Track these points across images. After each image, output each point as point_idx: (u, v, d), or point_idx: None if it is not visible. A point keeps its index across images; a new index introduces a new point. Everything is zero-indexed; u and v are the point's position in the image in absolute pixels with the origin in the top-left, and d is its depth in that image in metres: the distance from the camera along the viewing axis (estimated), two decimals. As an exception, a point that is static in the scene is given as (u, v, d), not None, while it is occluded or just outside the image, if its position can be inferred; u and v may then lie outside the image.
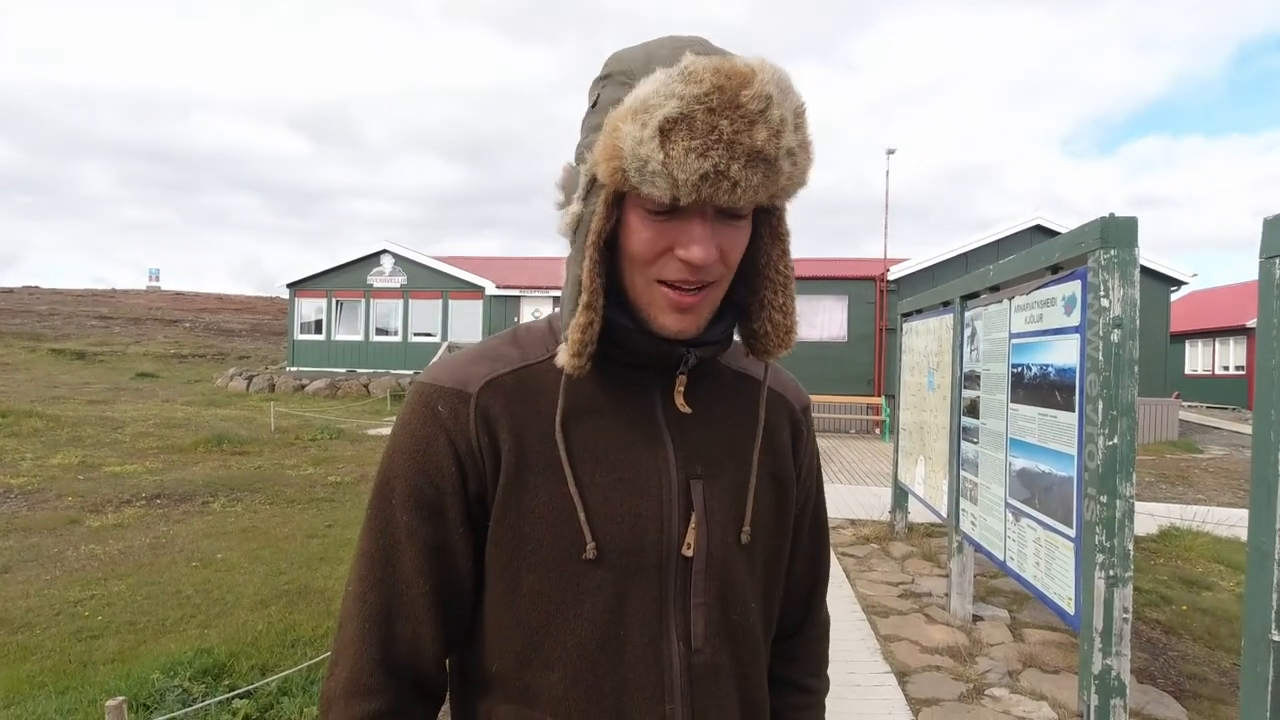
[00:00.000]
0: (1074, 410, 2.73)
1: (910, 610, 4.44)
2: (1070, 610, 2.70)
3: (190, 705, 2.91)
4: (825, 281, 15.75)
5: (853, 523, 6.81)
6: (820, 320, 15.90)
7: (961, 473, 4.26)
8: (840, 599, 4.63)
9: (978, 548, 3.96)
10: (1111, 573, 2.42)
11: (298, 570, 5.01)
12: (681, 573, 0.74)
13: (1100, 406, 2.48)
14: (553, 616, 0.72)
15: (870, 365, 15.96)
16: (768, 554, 0.82)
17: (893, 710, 3.17)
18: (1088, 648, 2.46)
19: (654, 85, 0.61)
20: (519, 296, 19.44)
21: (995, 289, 3.87)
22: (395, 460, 0.74)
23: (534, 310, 19.22)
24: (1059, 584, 2.83)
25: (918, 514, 6.23)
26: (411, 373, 19.11)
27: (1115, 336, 2.46)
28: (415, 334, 20.27)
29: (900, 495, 6.31)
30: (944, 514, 4.66)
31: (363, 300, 20.54)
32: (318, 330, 20.86)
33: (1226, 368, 23.48)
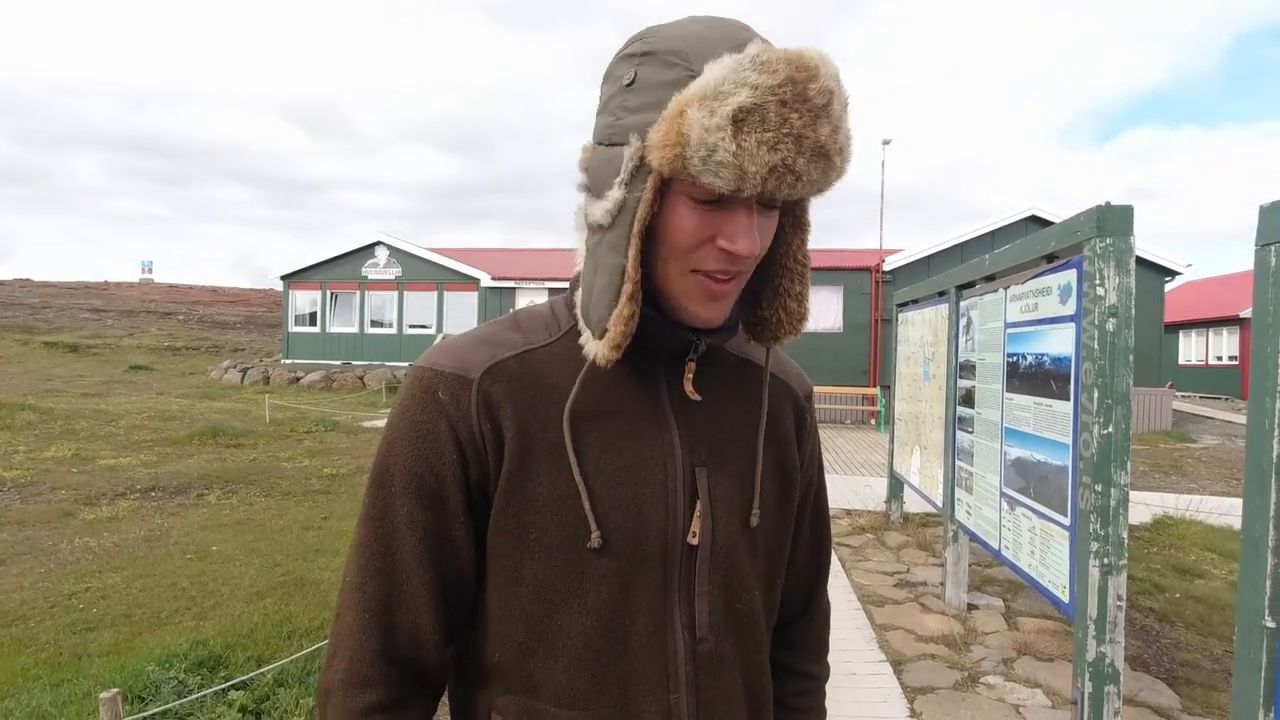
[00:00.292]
0: (1069, 399, 2.73)
1: (906, 599, 4.46)
2: (1065, 598, 2.72)
3: (186, 697, 2.90)
4: (821, 272, 15.73)
5: (848, 513, 6.83)
6: (816, 311, 15.85)
7: (957, 462, 4.27)
8: (836, 588, 4.64)
9: (973, 537, 3.98)
10: (1106, 561, 2.43)
11: (293, 562, 5.00)
12: (686, 561, 0.73)
13: (1095, 395, 2.48)
14: (557, 606, 0.71)
15: (866, 356, 15.98)
16: (771, 542, 0.81)
17: (888, 699, 3.19)
18: (1082, 635, 2.47)
19: (724, 71, 0.59)
20: (514, 288, 19.38)
21: (991, 279, 3.87)
22: (394, 447, 0.72)
23: (530, 302, 19.15)
24: (1053, 572, 2.84)
25: (913, 504, 6.25)
26: (407, 365, 19.07)
27: (1110, 325, 2.46)
28: (410, 326, 20.21)
29: (896, 485, 6.32)
30: (939, 504, 4.68)
31: (357, 292, 20.46)
32: (312, 322, 20.78)
33: (1220, 358, 23.59)
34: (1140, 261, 13.58)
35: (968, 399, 4.08)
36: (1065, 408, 2.77)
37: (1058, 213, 14.64)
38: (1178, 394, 19.46)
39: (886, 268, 15.73)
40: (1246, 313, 19.70)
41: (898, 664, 3.53)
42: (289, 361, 20.54)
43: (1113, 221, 2.47)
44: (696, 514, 0.74)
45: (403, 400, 0.73)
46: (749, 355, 0.84)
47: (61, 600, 4.24)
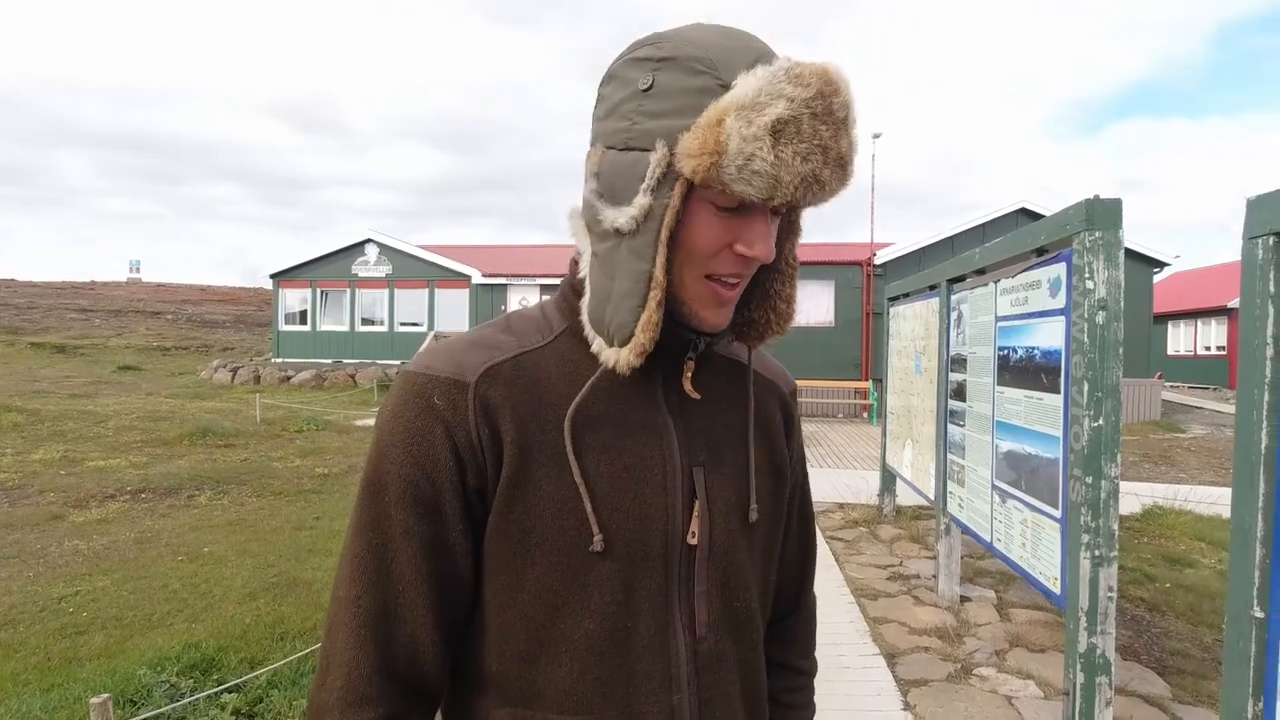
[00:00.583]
0: (1059, 392, 2.75)
1: (899, 592, 4.48)
2: (1056, 590, 2.73)
3: (178, 700, 2.89)
4: (812, 267, 15.76)
5: (841, 506, 6.85)
6: (807, 305, 15.92)
7: (948, 455, 4.28)
8: (829, 582, 4.66)
9: (965, 530, 3.99)
10: (1097, 553, 2.44)
11: (286, 563, 4.98)
12: (685, 561, 0.73)
13: (1085, 388, 2.49)
14: (559, 610, 0.70)
15: (857, 350, 16.02)
16: (765, 540, 0.82)
17: (882, 691, 3.20)
18: (1073, 627, 2.48)
19: (759, 83, 0.60)
20: (505, 285, 19.33)
21: (981, 272, 3.88)
22: (387, 455, 0.70)
23: (521, 299, 19.13)
24: (1045, 564, 2.85)
25: (906, 497, 6.28)
26: (399, 363, 19.01)
27: (1100, 318, 2.47)
28: (401, 324, 20.14)
29: (888, 479, 6.35)
30: (931, 497, 4.70)
31: (348, 290, 20.36)
32: (303, 321, 20.67)
33: (1208, 348, 23.78)
34: (1128, 253, 13.65)
35: (959, 392, 4.09)
36: (1056, 400, 2.78)
37: (1048, 206, 14.71)
38: (1166, 384, 19.61)
39: (878, 262, 15.76)
40: (1234, 303, 19.87)
41: (891, 657, 3.55)
42: (279, 360, 20.43)
43: (1101, 215, 2.48)
44: (695, 513, 0.74)
45: (395, 406, 0.71)
46: (734, 355, 0.85)
47: (51, 604, 4.20)
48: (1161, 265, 15.14)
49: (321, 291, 20.50)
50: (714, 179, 0.62)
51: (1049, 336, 2.86)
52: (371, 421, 12.39)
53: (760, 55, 0.64)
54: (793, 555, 0.93)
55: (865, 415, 15.21)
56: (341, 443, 10.31)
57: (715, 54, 0.65)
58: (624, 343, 0.68)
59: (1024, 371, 3.12)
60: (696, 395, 0.77)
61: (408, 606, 0.69)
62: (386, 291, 20.23)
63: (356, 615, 0.69)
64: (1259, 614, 1.51)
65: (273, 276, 20.81)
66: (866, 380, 15.54)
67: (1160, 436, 12.50)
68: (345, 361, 19.83)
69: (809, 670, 0.97)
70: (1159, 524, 6.10)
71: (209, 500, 6.83)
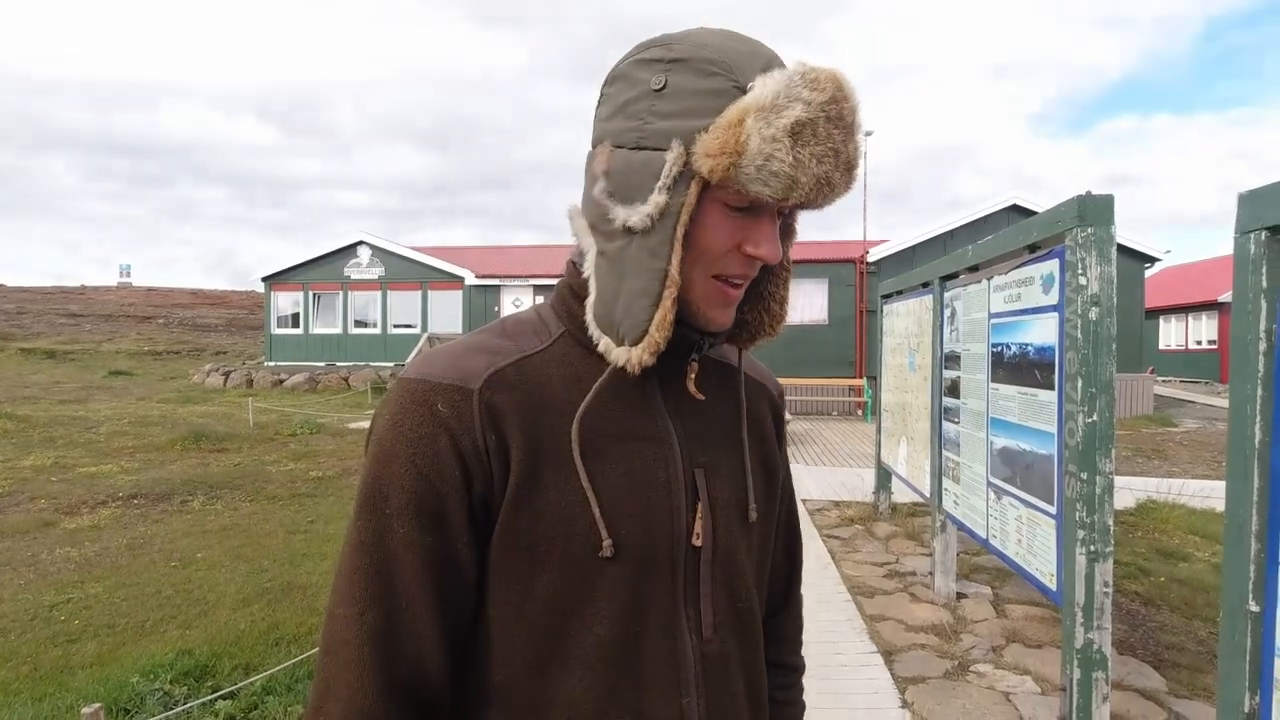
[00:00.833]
0: (1053, 388, 2.75)
1: (895, 590, 4.48)
2: (1052, 586, 2.73)
3: (172, 708, 2.86)
4: (806, 265, 15.78)
5: (837, 504, 6.86)
6: (801, 303, 15.94)
7: (943, 452, 4.29)
8: (826, 580, 4.66)
9: (960, 526, 4.00)
10: (1092, 548, 2.45)
11: (280, 567, 4.95)
12: (690, 563, 0.73)
13: (1079, 384, 2.49)
14: (569, 617, 0.69)
15: (851, 347, 16.05)
16: (761, 539, 0.83)
17: (879, 689, 3.20)
18: (1070, 622, 2.49)
19: (778, 85, 0.62)
20: (499, 286, 19.29)
21: (974, 269, 3.89)
22: (388, 466, 0.68)
23: (515, 299, 19.10)
24: (1041, 560, 2.85)
25: (901, 494, 6.29)
26: (392, 364, 18.95)
27: (1093, 314, 2.47)
28: (395, 326, 20.08)
29: (884, 476, 6.35)
30: (927, 494, 4.70)
31: (340, 292, 20.28)
32: (295, 324, 20.59)
33: (1199, 342, 23.91)
34: (1120, 249, 13.72)
35: (953, 389, 4.10)
36: (1050, 397, 2.78)
37: (1039, 202, 14.76)
38: (1159, 379, 19.71)
39: (871, 259, 15.79)
40: (1225, 297, 19.98)
41: (888, 654, 3.55)
42: (272, 364, 20.34)
43: (1093, 211, 2.48)
44: (698, 515, 0.74)
45: (394, 415, 0.69)
46: (722, 356, 0.85)
47: (42, 612, 4.17)
48: (1152, 260, 15.21)
49: (314, 294, 20.41)
50: (732, 179, 0.63)
51: (1042, 333, 2.86)
52: (366, 424, 12.34)
53: (771, 60, 0.66)
54: (781, 554, 0.94)
55: (860, 413, 15.23)
56: (335, 446, 10.27)
57: (729, 57, 0.66)
58: (636, 341, 0.68)
59: (1018, 368, 3.12)
60: (701, 396, 0.77)
61: (413, 622, 0.67)
62: (379, 293, 20.17)
63: (359, 633, 0.66)
64: (1254, 608, 1.51)
65: (264, 279, 20.71)
66: (861, 378, 15.57)
67: (1153, 431, 12.56)
68: (338, 364, 19.76)
69: (799, 667, 0.98)
70: (1153, 518, 6.13)
71: (202, 505, 6.79)
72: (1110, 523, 2.46)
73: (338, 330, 20.31)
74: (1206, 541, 5.41)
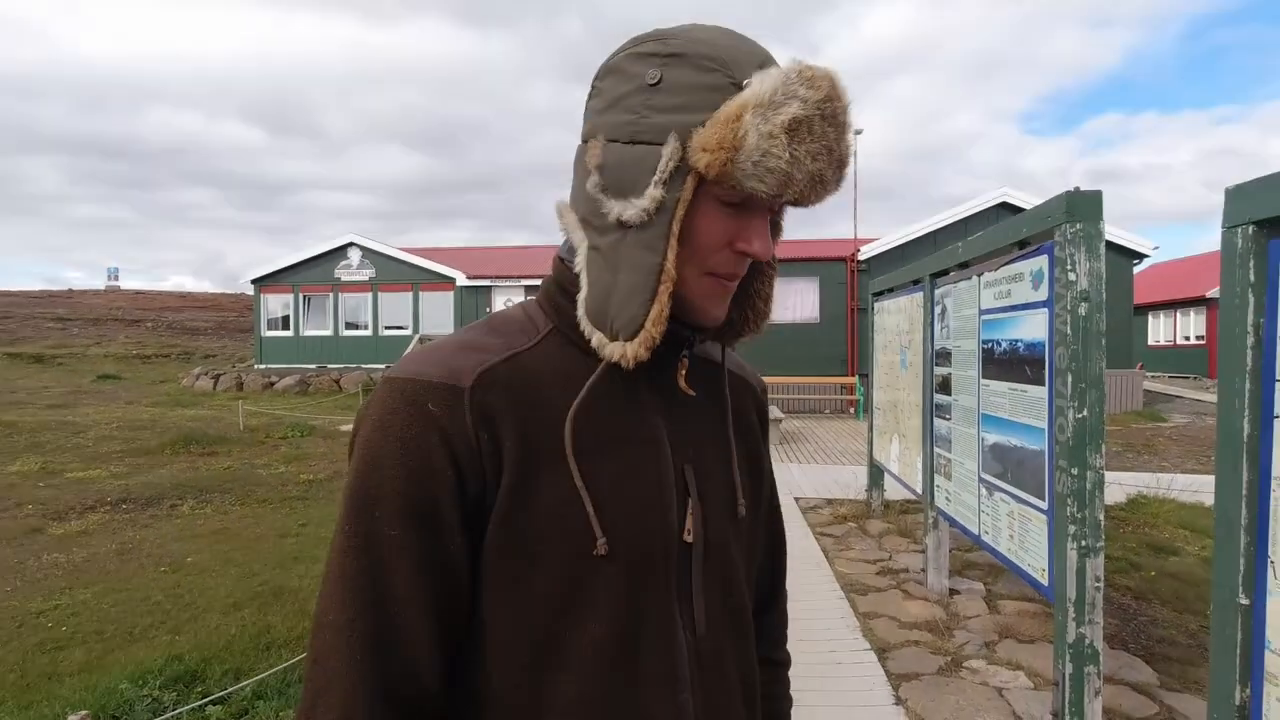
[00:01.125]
0: (1044, 384, 2.76)
1: (888, 587, 4.49)
2: (1044, 581, 2.74)
3: (161, 714, 2.84)
4: (797, 263, 15.81)
5: (830, 502, 6.87)
6: (792, 302, 15.97)
7: (935, 449, 4.30)
8: (819, 578, 4.66)
9: (952, 523, 4.01)
10: (1083, 543, 2.45)
11: (271, 571, 4.92)
12: (682, 559, 0.73)
13: (1069, 380, 2.50)
14: (565, 617, 0.68)
15: (843, 345, 16.08)
16: (749, 535, 0.84)
17: (873, 686, 3.20)
18: (1062, 617, 2.49)
19: (775, 83, 0.62)
20: (490, 286, 19.24)
21: (964, 266, 3.89)
22: (378, 468, 0.66)
23: (506, 300, 19.06)
24: (1032, 556, 2.86)
25: (894, 491, 6.30)
26: (384, 366, 18.88)
27: (1083, 310, 2.48)
28: (386, 327, 20.00)
29: (876, 473, 6.37)
30: (919, 490, 4.71)
31: (331, 294, 20.19)
32: (285, 326, 20.48)
33: (1187, 338, 24.10)
34: (1108, 245, 13.80)
35: (944, 386, 4.11)
36: (1040, 393, 2.79)
37: (1027, 199, 14.83)
38: (1148, 374, 19.85)
39: (861, 257, 15.83)
40: (1212, 293, 20.15)
41: (882, 651, 3.55)
42: (262, 366, 20.23)
43: (1082, 207, 2.49)
44: (689, 511, 0.74)
45: (382, 416, 0.67)
46: (707, 354, 0.85)
47: (29, 619, 4.12)
48: (1141, 256, 15.31)
49: (304, 296, 20.31)
50: (728, 174, 0.63)
51: (1032, 329, 2.87)
52: (357, 426, 12.25)
53: (766, 58, 0.67)
54: (766, 550, 0.94)
55: (852, 410, 15.27)
56: (327, 448, 10.22)
57: (726, 53, 0.66)
58: (631, 336, 0.67)
59: (1008, 364, 3.13)
60: (692, 393, 0.77)
61: (406, 627, 0.66)
62: (370, 295, 20.08)
63: (351, 640, 0.64)
64: (1244, 601, 1.51)
65: (254, 282, 20.60)
66: (852, 375, 15.60)
67: (1143, 426, 12.64)
68: (330, 366, 19.66)
69: (786, 662, 0.99)
70: (1143, 512, 6.16)
71: (192, 509, 6.74)
72: (1101, 518, 2.46)
73: (328, 332, 20.22)
74: (1196, 536, 5.44)
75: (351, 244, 20.17)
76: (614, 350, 0.68)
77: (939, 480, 4.24)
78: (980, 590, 4.37)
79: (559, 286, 0.76)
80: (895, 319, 5.50)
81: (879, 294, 6.13)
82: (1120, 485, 7.01)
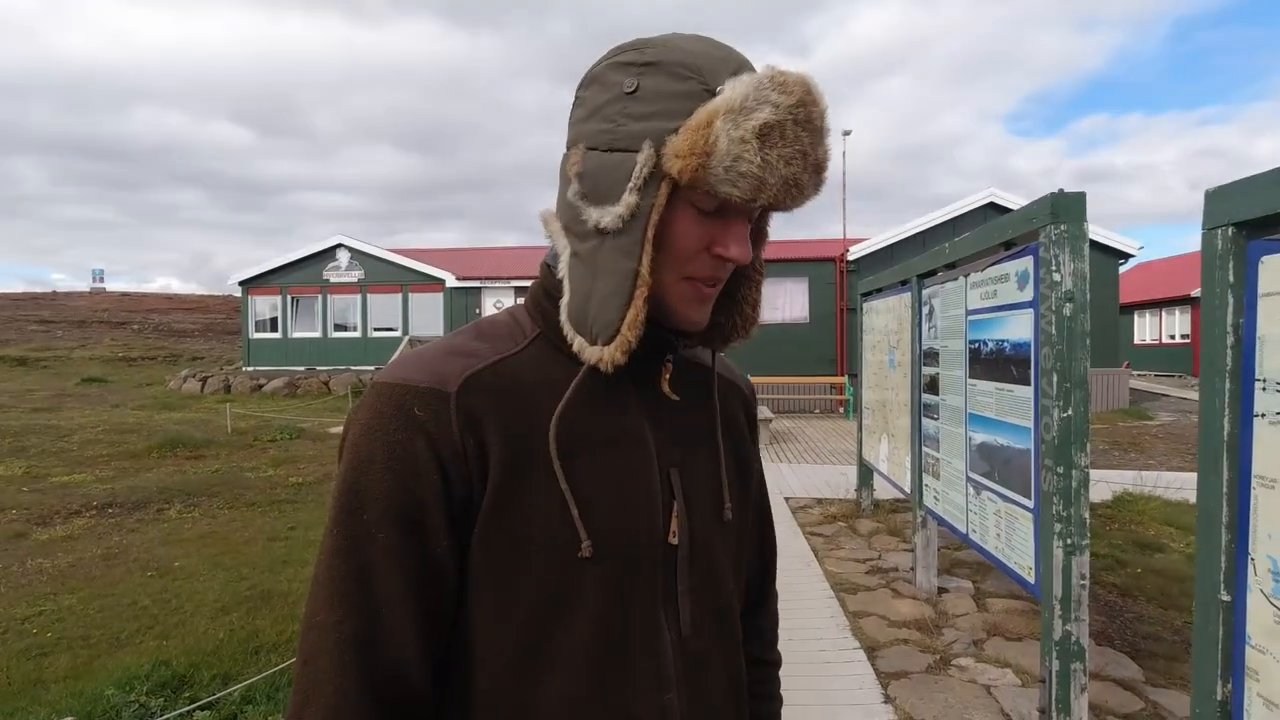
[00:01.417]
0: (1030, 384, 2.78)
1: (878, 586, 4.51)
2: (1031, 579, 2.76)
3: (148, 720, 2.82)
4: (786, 264, 15.85)
5: (820, 501, 6.89)
6: (782, 302, 16.02)
7: (923, 449, 4.32)
8: (809, 577, 4.68)
9: (941, 521, 4.04)
10: (1069, 541, 2.48)
11: (260, 575, 4.88)
12: (667, 561, 0.74)
13: (1054, 380, 2.52)
14: (550, 619, 0.69)
15: (832, 345, 16.14)
16: (737, 537, 0.84)
17: (863, 685, 3.22)
18: (1048, 615, 2.52)
19: (747, 88, 0.63)
20: (480, 288, 19.19)
21: (951, 266, 3.92)
22: (364, 472, 0.67)
23: (496, 301, 19.01)
24: (1019, 554, 2.89)
25: (883, 490, 6.33)
26: (373, 368, 18.78)
27: (1067, 310, 2.50)
28: (375, 329, 19.91)
29: (865, 473, 6.40)
30: (908, 490, 4.74)
31: (319, 296, 20.06)
32: (273, 328, 20.34)
33: (1173, 336, 24.35)
34: (1094, 245, 13.94)
35: (932, 386, 4.13)
36: (1026, 392, 2.81)
37: (1014, 199, 14.94)
38: (1134, 373, 20.04)
39: (851, 258, 15.89)
40: (1197, 292, 20.35)
41: (871, 650, 3.57)
42: (250, 369, 20.08)
43: (1066, 208, 2.51)
44: (674, 514, 0.75)
45: (369, 420, 0.68)
46: (694, 357, 0.86)
47: (14, 625, 4.08)
48: (1126, 256, 15.45)
49: (292, 298, 20.18)
50: (701, 179, 0.64)
51: (1018, 329, 2.89)
52: (346, 429, 12.19)
53: (742, 64, 0.67)
54: (755, 551, 0.95)
55: (841, 410, 15.32)
56: (316, 451, 10.16)
57: (700, 61, 0.67)
58: (608, 340, 0.68)
59: (994, 364, 3.15)
60: (675, 397, 0.78)
61: (394, 629, 0.66)
62: (359, 297, 19.98)
63: (339, 641, 0.65)
64: (1225, 598, 1.53)
65: (242, 283, 20.44)
66: (842, 375, 15.67)
67: (1129, 424, 12.75)
68: (318, 368, 19.54)
69: (775, 662, 1.00)
70: (1130, 510, 6.22)
71: (179, 513, 6.68)
72: (1086, 516, 2.49)
73: (317, 334, 20.09)
74: (1182, 533, 5.50)
75: (340, 245, 20.06)
76: (593, 354, 0.69)
77: (927, 479, 4.27)
78: (969, 588, 4.40)
79: (545, 293, 0.77)
80: (884, 319, 5.53)
81: (868, 294, 6.16)
82: (1107, 483, 7.07)
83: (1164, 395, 17.13)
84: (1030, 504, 2.78)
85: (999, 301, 3.10)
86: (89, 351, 29.29)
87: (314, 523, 6.21)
